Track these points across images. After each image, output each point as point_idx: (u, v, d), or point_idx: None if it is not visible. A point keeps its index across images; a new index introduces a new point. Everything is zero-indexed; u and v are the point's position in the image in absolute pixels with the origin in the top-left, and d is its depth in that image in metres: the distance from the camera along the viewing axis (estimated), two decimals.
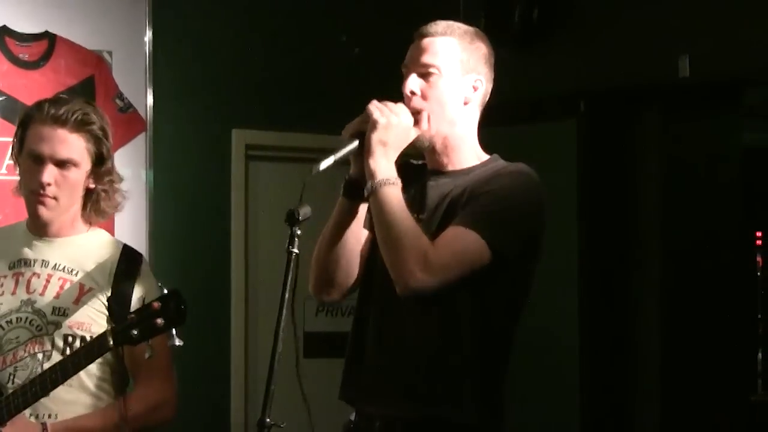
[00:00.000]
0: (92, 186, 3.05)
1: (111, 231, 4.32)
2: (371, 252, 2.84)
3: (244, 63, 5.48)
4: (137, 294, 3.00)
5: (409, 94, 2.78)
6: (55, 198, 2.98)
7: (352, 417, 2.89)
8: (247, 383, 5.41)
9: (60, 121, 2.96)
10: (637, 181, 5.50)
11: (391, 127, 2.71)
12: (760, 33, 4.86)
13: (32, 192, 2.99)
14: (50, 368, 2.84)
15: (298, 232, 2.69)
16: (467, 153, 2.85)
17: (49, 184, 2.96)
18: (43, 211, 2.99)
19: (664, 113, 5.47)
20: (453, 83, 2.80)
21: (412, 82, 2.79)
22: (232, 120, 5.46)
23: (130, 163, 4.96)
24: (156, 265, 4.91)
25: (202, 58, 5.39)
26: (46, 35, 4.98)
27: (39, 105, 3.02)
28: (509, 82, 5.72)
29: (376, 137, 2.70)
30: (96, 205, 3.06)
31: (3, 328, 2.99)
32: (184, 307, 2.75)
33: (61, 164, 2.97)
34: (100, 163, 3.03)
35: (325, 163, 2.67)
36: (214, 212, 5.42)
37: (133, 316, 2.78)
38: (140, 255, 3.11)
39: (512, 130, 5.58)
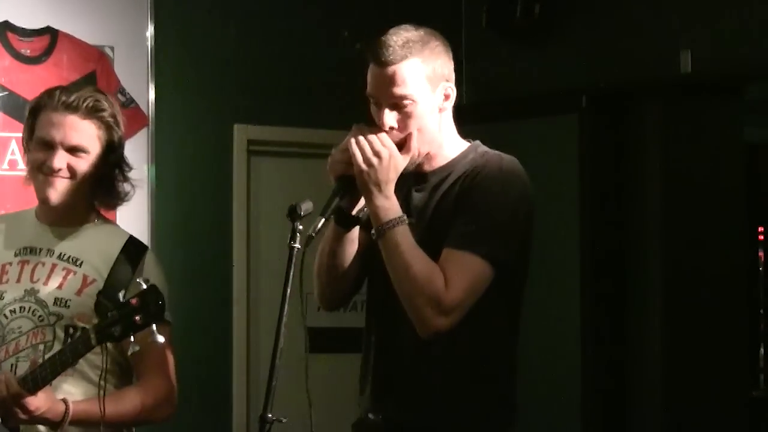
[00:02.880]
0: (102, 174, 3.04)
1: None
2: (370, 257, 2.83)
3: (246, 58, 5.48)
4: (135, 282, 2.98)
5: (389, 130, 2.74)
6: (65, 181, 2.98)
7: (370, 415, 2.88)
8: (248, 378, 5.42)
9: (71, 108, 2.97)
10: (638, 176, 5.49)
11: (380, 168, 2.69)
12: (761, 28, 4.86)
13: (43, 176, 2.98)
14: (41, 365, 2.82)
15: (300, 227, 2.70)
16: (447, 151, 2.84)
17: (60, 169, 2.96)
18: (52, 193, 2.98)
19: (666, 109, 5.46)
20: (428, 104, 2.77)
21: (389, 118, 2.74)
22: (234, 115, 5.46)
23: (132, 159, 4.94)
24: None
25: (203, 53, 5.39)
26: (48, 30, 4.98)
27: (50, 92, 3.03)
28: (511, 77, 5.80)
29: (367, 182, 2.69)
30: (106, 193, 3.07)
31: (6, 317, 2.99)
32: (161, 303, 2.72)
33: (72, 150, 2.98)
34: (111, 150, 3.04)
35: (320, 224, 2.66)
36: (216, 207, 5.42)
37: (114, 313, 2.75)
38: (144, 246, 3.10)
39: (513, 125, 5.59)
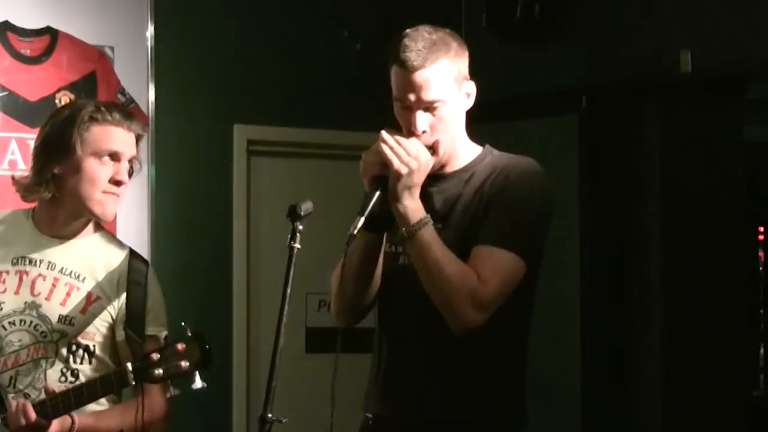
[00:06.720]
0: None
1: (114, 226, 4.33)
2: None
3: (246, 58, 5.48)
4: (146, 305, 3.01)
5: (421, 134, 2.75)
6: (118, 197, 3.01)
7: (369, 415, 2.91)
8: (248, 378, 5.42)
9: (130, 126, 3.00)
10: (638, 176, 5.49)
11: (415, 172, 2.70)
12: (762, 28, 4.85)
13: (105, 191, 2.98)
14: (63, 392, 2.83)
15: (300, 227, 2.71)
16: (462, 152, 2.86)
17: (125, 183, 3.00)
18: (114, 208, 2.99)
19: (666, 108, 5.46)
20: (455, 104, 2.81)
21: (422, 122, 2.76)
22: (234, 115, 5.46)
23: None
24: (158, 260, 4.91)
25: (204, 53, 5.39)
26: (48, 30, 4.98)
27: (101, 106, 3.01)
28: (511, 76, 5.80)
29: (402, 185, 2.70)
30: None
31: (5, 329, 2.97)
32: (208, 348, 2.75)
33: (131, 163, 3.02)
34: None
35: (360, 223, 2.66)
36: (216, 207, 5.42)
37: (157, 356, 2.78)
38: (146, 262, 3.11)
39: (514, 125, 5.59)
